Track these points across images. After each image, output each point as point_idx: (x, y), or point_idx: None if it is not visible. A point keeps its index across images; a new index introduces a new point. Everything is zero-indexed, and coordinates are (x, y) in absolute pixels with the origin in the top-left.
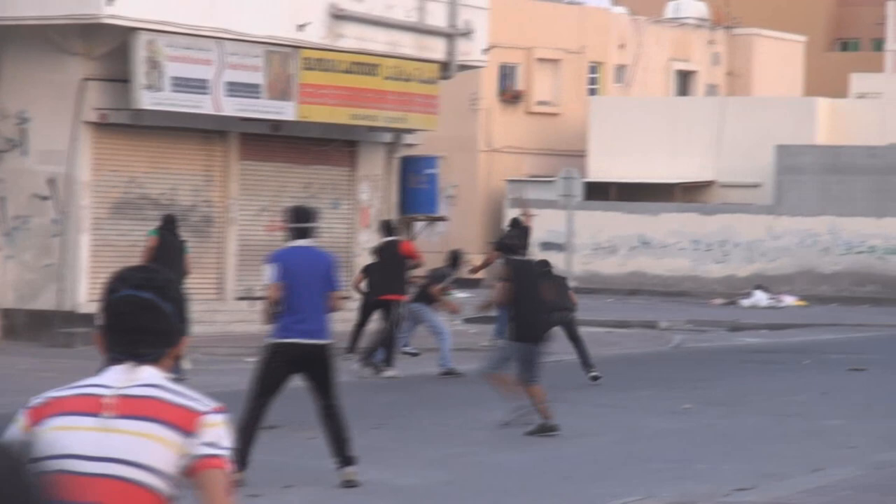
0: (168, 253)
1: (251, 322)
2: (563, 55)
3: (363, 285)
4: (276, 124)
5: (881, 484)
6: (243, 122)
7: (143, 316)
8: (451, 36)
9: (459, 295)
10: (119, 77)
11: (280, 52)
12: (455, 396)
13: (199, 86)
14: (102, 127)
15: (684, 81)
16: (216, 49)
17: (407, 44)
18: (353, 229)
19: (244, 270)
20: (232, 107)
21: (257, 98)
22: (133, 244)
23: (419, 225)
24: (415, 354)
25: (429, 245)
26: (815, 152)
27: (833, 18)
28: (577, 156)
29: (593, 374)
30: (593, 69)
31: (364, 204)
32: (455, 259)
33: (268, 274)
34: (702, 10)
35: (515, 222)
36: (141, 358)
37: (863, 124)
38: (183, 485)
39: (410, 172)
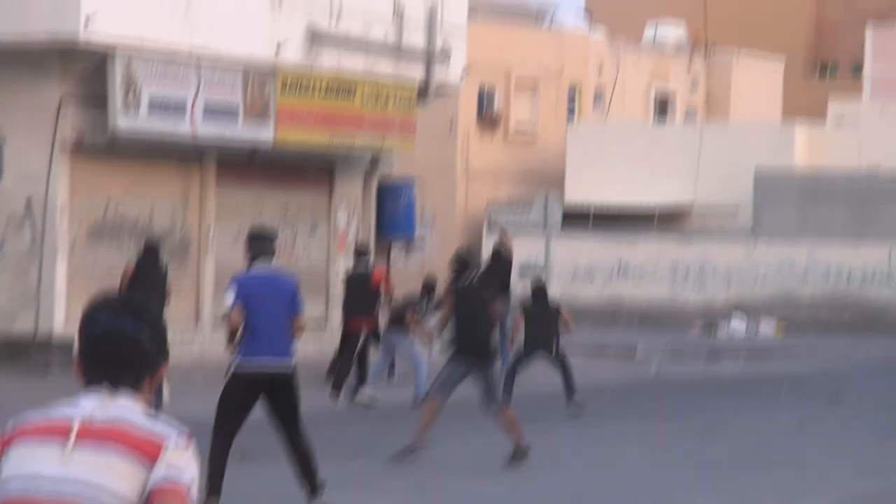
0: (147, 279)
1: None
2: (542, 80)
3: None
4: (253, 153)
5: None
6: (221, 147)
7: (119, 343)
8: (429, 58)
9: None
10: (96, 99)
11: (258, 74)
12: (431, 426)
13: (176, 107)
14: (79, 149)
15: (663, 105)
16: (193, 70)
17: (385, 66)
18: (330, 253)
19: (221, 296)
20: (209, 130)
21: (235, 121)
22: (110, 268)
23: (397, 249)
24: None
25: (406, 269)
26: (793, 178)
27: (812, 42)
28: (556, 181)
29: (573, 406)
30: (572, 93)
31: (341, 228)
32: (429, 287)
33: (228, 298)
34: (680, 34)
35: (497, 255)
36: (118, 385)
37: (841, 150)
38: None
39: (388, 196)
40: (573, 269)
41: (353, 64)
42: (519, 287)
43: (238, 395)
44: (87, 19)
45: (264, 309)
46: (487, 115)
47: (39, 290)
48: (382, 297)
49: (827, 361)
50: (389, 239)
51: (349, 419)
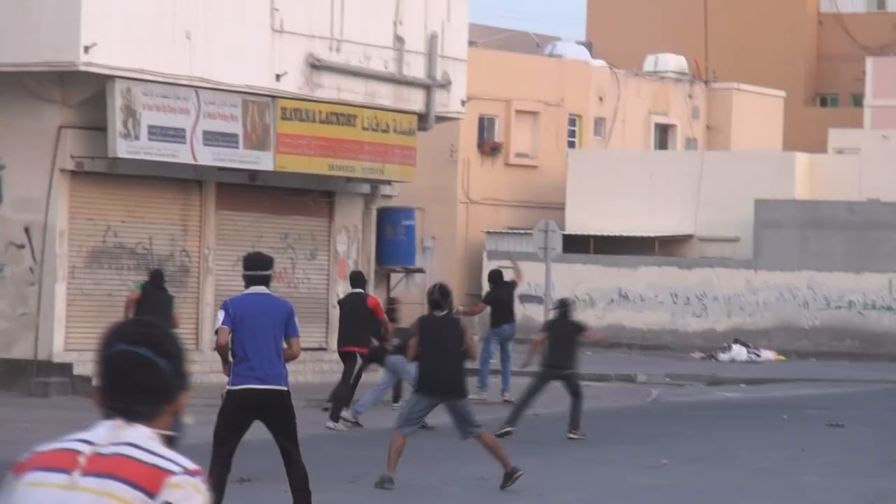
0: (152, 307)
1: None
2: (543, 108)
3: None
4: (253, 174)
5: None
6: (220, 171)
7: (137, 372)
8: (429, 87)
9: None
10: (96, 125)
11: (258, 102)
12: (430, 450)
13: (175, 135)
14: (79, 175)
15: (663, 135)
16: (193, 98)
17: (385, 94)
18: (330, 280)
19: None
20: (209, 156)
21: (235, 148)
22: (109, 293)
23: (397, 277)
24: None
25: (407, 297)
26: (793, 207)
27: (812, 73)
28: (556, 208)
29: (573, 436)
30: (572, 122)
31: (341, 255)
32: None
33: (218, 319)
34: (681, 63)
35: (498, 280)
36: (135, 415)
37: (841, 180)
38: None
39: (388, 223)
40: (573, 295)
41: (354, 92)
42: (519, 313)
43: (231, 417)
44: (86, 49)
45: (256, 331)
46: (488, 143)
47: (39, 314)
48: (381, 326)
49: (828, 387)
50: (389, 267)
51: (351, 442)
